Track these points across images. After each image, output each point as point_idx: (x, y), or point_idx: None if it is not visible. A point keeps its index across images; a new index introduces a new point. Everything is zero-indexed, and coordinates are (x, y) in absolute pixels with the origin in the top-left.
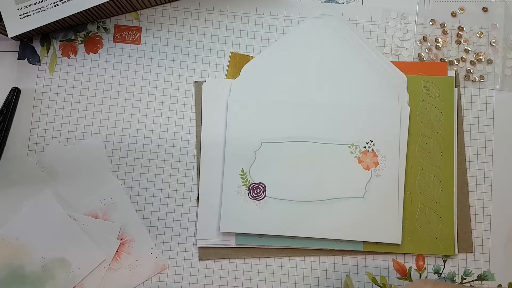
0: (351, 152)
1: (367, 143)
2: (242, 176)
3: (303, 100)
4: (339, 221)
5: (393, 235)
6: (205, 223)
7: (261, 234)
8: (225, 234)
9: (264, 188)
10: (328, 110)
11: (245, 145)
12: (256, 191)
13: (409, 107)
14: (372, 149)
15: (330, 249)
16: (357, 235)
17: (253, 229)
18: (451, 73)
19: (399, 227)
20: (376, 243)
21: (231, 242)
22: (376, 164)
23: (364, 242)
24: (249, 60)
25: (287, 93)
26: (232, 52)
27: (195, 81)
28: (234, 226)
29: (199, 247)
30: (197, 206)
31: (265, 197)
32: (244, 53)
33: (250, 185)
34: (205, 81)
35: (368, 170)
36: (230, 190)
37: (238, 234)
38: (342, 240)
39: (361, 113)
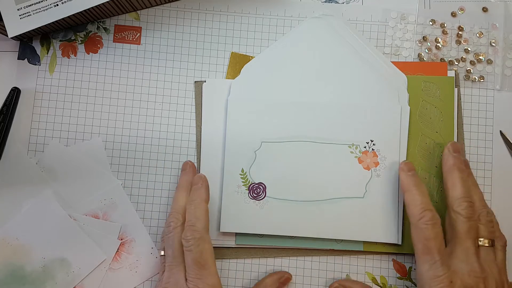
0: (352, 152)
1: (367, 143)
2: (242, 176)
3: (303, 100)
4: (339, 221)
5: (393, 235)
6: None
7: (261, 234)
8: (225, 234)
9: (264, 188)
10: (328, 110)
11: (245, 145)
12: (256, 191)
13: (409, 107)
14: (373, 149)
15: (330, 249)
16: (357, 235)
17: (253, 229)
18: (451, 73)
19: (399, 227)
20: (376, 243)
21: (231, 242)
22: (377, 164)
23: (364, 242)
24: (249, 60)
25: (287, 93)
26: (232, 52)
27: (195, 81)
28: (234, 226)
29: None
30: None
31: (265, 197)
32: (244, 53)
33: (250, 185)
34: (205, 81)
35: (368, 170)
36: (230, 190)
37: (238, 234)
38: (342, 240)
39: (361, 113)
